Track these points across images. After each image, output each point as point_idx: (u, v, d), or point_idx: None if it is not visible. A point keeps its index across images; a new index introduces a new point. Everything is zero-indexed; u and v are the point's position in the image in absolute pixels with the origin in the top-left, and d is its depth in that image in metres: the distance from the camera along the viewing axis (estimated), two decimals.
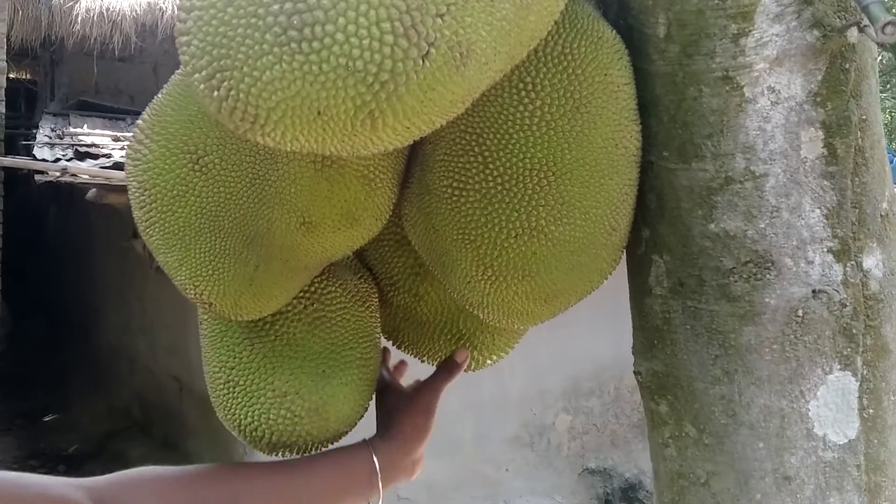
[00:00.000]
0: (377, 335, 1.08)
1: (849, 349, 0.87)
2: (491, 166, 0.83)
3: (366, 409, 1.06)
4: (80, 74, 10.00)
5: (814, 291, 0.86)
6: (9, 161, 4.95)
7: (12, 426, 6.79)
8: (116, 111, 9.90)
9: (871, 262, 0.88)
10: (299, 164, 0.82)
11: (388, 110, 0.63)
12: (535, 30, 0.74)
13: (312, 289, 1.00)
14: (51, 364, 8.49)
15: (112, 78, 10.24)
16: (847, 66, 0.85)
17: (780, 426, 0.88)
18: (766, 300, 0.86)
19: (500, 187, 0.83)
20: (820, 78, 0.85)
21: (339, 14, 0.59)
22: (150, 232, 0.86)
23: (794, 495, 0.88)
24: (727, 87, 0.84)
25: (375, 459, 0.99)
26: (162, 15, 9.47)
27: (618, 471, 5.69)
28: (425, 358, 1.16)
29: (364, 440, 1.03)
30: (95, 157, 6.66)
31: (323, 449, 1.03)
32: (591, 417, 5.72)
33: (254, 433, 0.99)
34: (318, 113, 0.63)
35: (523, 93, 0.82)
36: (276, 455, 1.02)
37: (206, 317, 1.02)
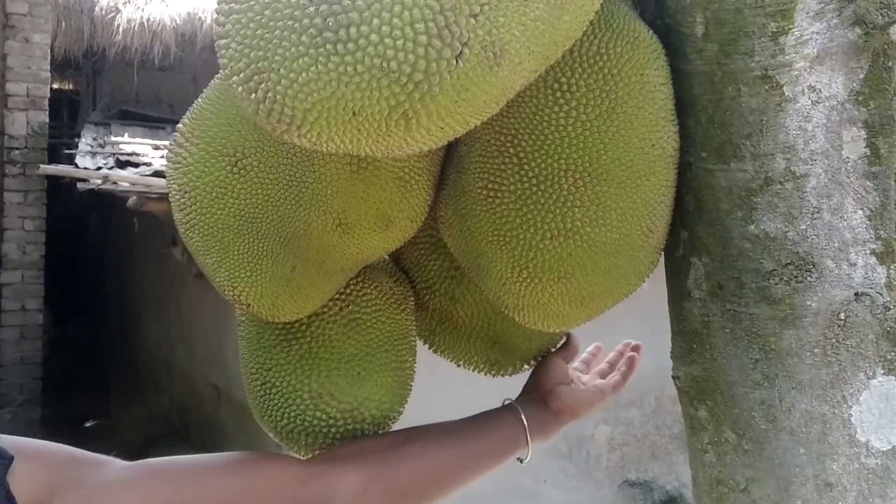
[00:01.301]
0: (413, 338, 1.08)
1: (893, 353, 0.85)
2: (526, 167, 0.83)
3: (400, 413, 1.06)
4: (121, 84, 10.20)
5: (856, 294, 0.84)
6: (52, 169, 5.06)
7: (54, 431, 6.91)
8: (156, 120, 10.07)
9: None
10: (336, 166, 0.82)
11: (422, 111, 0.64)
12: (569, 30, 0.73)
13: (348, 291, 1.00)
14: (92, 370, 8.64)
15: (152, 87, 10.43)
16: (890, 63, 0.83)
17: (822, 432, 0.86)
18: (808, 303, 0.85)
19: (535, 188, 0.83)
20: (862, 76, 0.83)
21: (374, 15, 0.59)
22: (190, 234, 0.87)
23: (835, 502, 0.86)
24: (766, 87, 0.83)
25: (524, 420, 1.09)
26: (201, 25, 9.63)
27: (658, 483, 5.62)
28: (461, 362, 1.16)
29: (509, 403, 1.12)
30: (136, 165, 6.78)
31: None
32: (632, 428, 5.66)
33: (290, 434, 1.00)
34: (354, 113, 0.63)
35: (558, 93, 0.81)
36: (312, 455, 1.02)
37: (243, 319, 1.03)
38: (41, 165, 5.27)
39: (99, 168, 6.62)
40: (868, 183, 0.84)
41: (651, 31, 0.88)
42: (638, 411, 5.84)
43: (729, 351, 0.90)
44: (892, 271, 0.85)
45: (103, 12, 9.09)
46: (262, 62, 0.63)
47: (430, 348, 1.17)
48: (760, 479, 0.89)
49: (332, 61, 0.61)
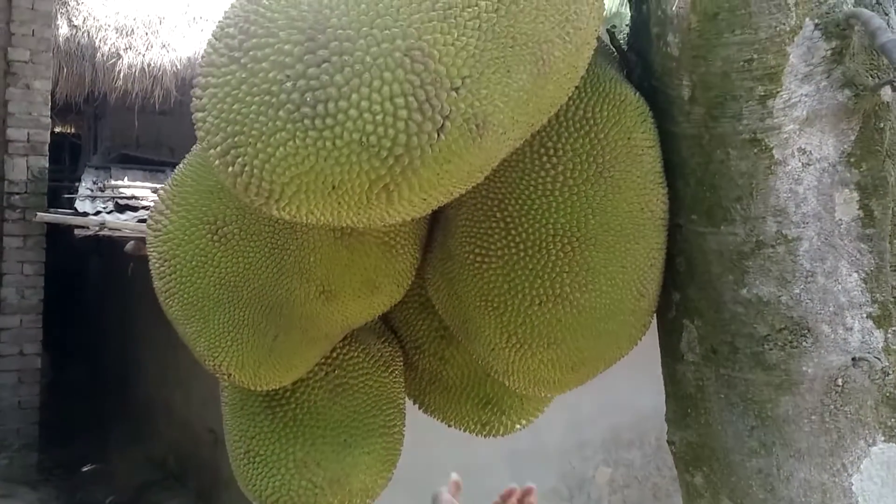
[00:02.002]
0: (401, 401, 1.06)
1: (893, 419, 0.83)
2: (513, 232, 0.81)
3: (388, 480, 1.03)
4: (122, 128, 10.26)
5: (854, 359, 0.82)
6: (49, 217, 5.05)
7: (51, 476, 6.82)
8: (157, 163, 10.11)
9: None
10: (318, 234, 0.81)
11: (403, 184, 0.62)
12: (554, 97, 0.72)
13: (334, 355, 0.98)
14: (90, 414, 8.55)
15: (152, 131, 10.49)
16: (882, 125, 0.82)
17: (822, 501, 0.83)
18: (804, 369, 0.83)
19: (522, 253, 0.81)
20: (853, 138, 0.82)
21: (353, 90, 0.58)
22: (170, 303, 0.85)
23: None
24: (755, 150, 0.81)
25: None
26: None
27: None
28: (451, 422, 1.13)
29: None
30: (135, 209, 6.78)
31: None
32: (633, 470, 5.58)
33: (275, 501, 0.97)
34: (333, 187, 0.62)
35: (545, 158, 0.80)
36: None
37: (227, 385, 1.01)
38: (38, 213, 5.27)
39: (98, 212, 6.62)
40: (862, 245, 0.83)
41: (638, 94, 0.87)
42: (639, 452, 5.76)
43: (724, 417, 0.88)
44: (889, 335, 0.83)
45: (104, 58, 9.18)
46: (238, 136, 0.61)
47: (419, 408, 1.14)
48: None
49: (309, 136, 0.59)
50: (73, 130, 12.39)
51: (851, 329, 0.82)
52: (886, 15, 0.83)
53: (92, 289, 10.24)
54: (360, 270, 0.84)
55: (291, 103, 0.59)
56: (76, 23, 9.26)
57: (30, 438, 6.67)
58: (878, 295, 0.83)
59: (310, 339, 0.87)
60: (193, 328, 0.84)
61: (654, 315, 0.93)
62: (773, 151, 0.81)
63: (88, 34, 9.45)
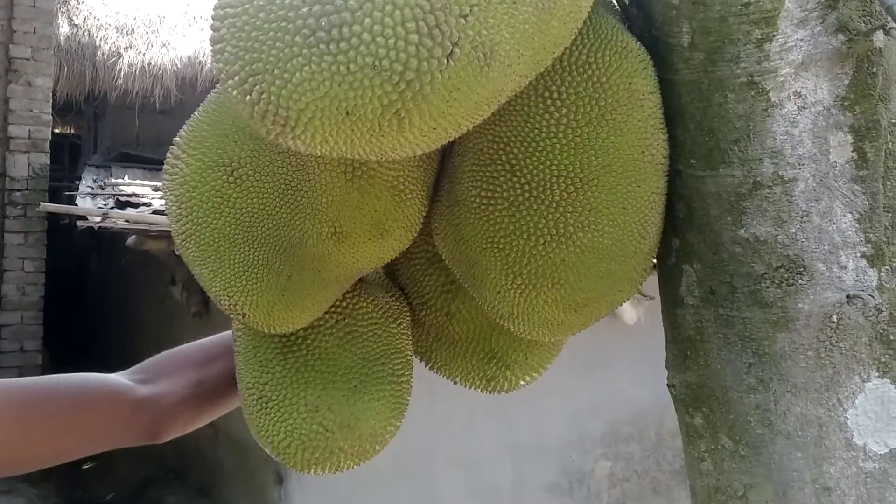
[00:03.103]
0: (409, 353, 1.08)
1: (887, 356, 0.86)
2: (518, 174, 0.84)
3: (397, 429, 1.06)
4: (122, 127, 10.29)
5: (848, 297, 0.85)
6: (52, 207, 5.08)
7: (52, 473, 6.84)
8: (157, 162, 10.13)
9: None
10: (331, 174, 0.84)
11: (414, 110, 0.65)
12: (558, 36, 0.75)
13: (344, 304, 1.01)
14: None
15: (152, 130, 10.52)
16: (874, 69, 0.85)
17: (818, 435, 0.86)
18: (800, 306, 0.85)
19: (527, 195, 0.84)
20: (847, 82, 0.85)
21: (366, 15, 0.61)
22: (187, 244, 0.88)
23: None
24: (753, 93, 0.84)
25: None
26: (202, 68, 9.75)
27: None
28: (457, 378, 1.16)
29: None
30: (136, 206, 6.81)
31: (354, 466, 1.03)
32: (632, 464, 5.61)
33: (286, 449, 1.00)
34: (347, 113, 0.64)
35: (549, 101, 0.83)
36: (309, 473, 1.02)
37: (240, 334, 1.03)
38: (41, 203, 5.30)
39: (100, 208, 6.65)
40: (856, 187, 0.85)
41: (639, 42, 0.90)
42: (638, 446, 5.80)
43: (723, 356, 0.90)
44: (882, 274, 0.86)
45: (105, 57, 9.22)
46: (256, 64, 0.64)
47: (426, 365, 1.17)
48: (758, 484, 0.89)
49: (325, 61, 0.62)
50: (72, 130, 12.42)
51: (846, 267, 0.85)
52: None
53: (92, 286, 10.26)
54: (370, 213, 0.86)
55: (308, 28, 0.62)
56: (77, 22, 9.30)
57: None
58: (871, 235, 0.86)
59: (322, 280, 0.89)
60: (209, 268, 0.87)
61: (653, 260, 0.96)
62: (770, 94, 0.84)
63: (89, 33, 9.48)
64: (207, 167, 0.85)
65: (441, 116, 0.67)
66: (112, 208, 6.73)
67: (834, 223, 0.85)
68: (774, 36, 0.83)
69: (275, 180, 0.84)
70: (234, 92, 0.66)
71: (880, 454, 0.86)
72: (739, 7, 0.82)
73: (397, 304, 1.09)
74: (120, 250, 7.12)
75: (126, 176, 8.47)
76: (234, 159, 0.85)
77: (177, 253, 4.68)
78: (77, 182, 8.90)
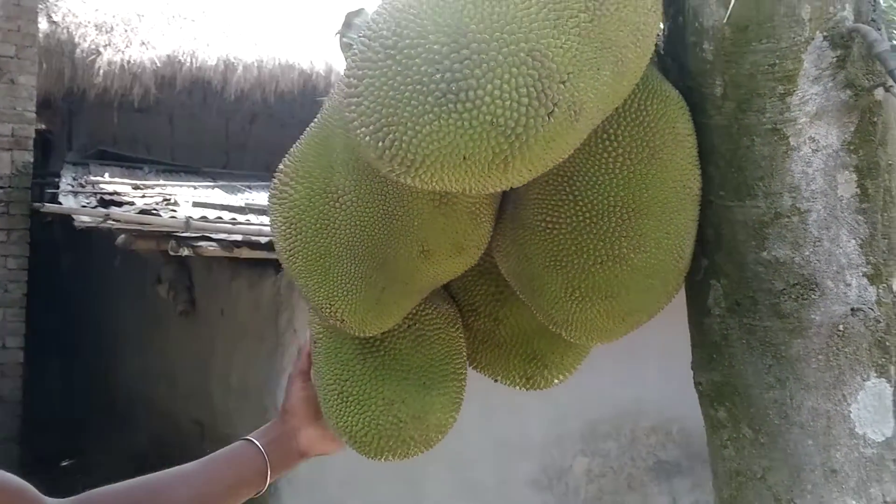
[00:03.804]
0: (464, 353, 1.23)
1: (883, 359, 1.02)
2: (580, 203, 0.99)
3: (456, 419, 1.21)
4: (99, 124, 10.25)
5: (852, 310, 1.01)
6: (55, 207, 5.12)
7: (33, 469, 6.86)
8: (134, 160, 10.12)
9: None
10: (422, 202, 0.98)
11: (518, 156, 0.80)
12: (625, 91, 0.91)
13: (414, 311, 1.15)
14: (68, 408, 8.57)
15: (129, 128, 10.50)
16: (875, 119, 1.02)
17: (827, 426, 1.02)
18: (812, 317, 1.02)
19: (588, 221, 0.99)
20: (853, 129, 1.01)
21: (488, 82, 0.76)
22: (293, 260, 1.02)
23: (840, 486, 1.02)
24: (775, 138, 1.00)
25: (265, 453, 1.21)
26: (181, 67, 9.77)
27: None
28: (499, 376, 1.30)
29: (246, 438, 1.24)
30: (119, 204, 6.85)
31: (420, 453, 1.18)
32: (608, 460, 5.80)
33: (363, 438, 1.14)
34: (464, 158, 0.79)
35: (607, 142, 0.98)
36: (383, 459, 1.16)
37: (320, 336, 1.17)
38: (45, 204, 5.34)
39: (84, 207, 6.68)
40: (859, 217, 1.02)
41: (677, 91, 1.05)
42: (615, 443, 6.00)
43: (745, 358, 1.07)
44: (880, 290, 1.03)
45: (84, 55, 9.20)
46: (391, 117, 0.79)
47: (471, 365, 1.31)
48: (775, 467, 1.05)
49: (451, 117, 0.77)
50: (44, 126, 12.30)
51: (850, 285, 1.02)
52: (879, 29, 1.02)
53: (68, 284, 10.21)
54: (452, 234, 1.01)
55: (439, 91, 0.76)
56: (56, 19, 9.27)
57: (12, 432, 6.70)
58: (871, 257, 1.02)
59: (408, 291, 1.04)
60: (314, 281, 1.01)
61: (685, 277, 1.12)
62: (790, 139, 1.00)
63: (68, 30, 9.45)
64: (316, 194, 0.99)
65: (538, 160, 0.82)
66: (96, 207, 6.77)
67: (841, 247, 1.02)
68: (794, 91, 0.99)
69: (374, 206, 0.98)
70: (367, 138, 0.81)
71: (878, 441, 1.02)
72: (766, 67, 0.98)
73: (453, 311, 1.23)
74: (101, 249, 7.16)
75: (106, 174, 8.47)
76: (339, 188, 0.99)
77: (172, 252, 4.78)
78: (52, 179, 8.87)
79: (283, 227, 1.02)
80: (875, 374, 1.02)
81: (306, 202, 1.00)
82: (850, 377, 1.02)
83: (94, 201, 7.10)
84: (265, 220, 6.53)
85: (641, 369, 5.34)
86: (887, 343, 1.02)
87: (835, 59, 0.99)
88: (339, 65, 10.60)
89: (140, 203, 7.13)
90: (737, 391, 1.08)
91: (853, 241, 1.02)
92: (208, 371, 5.75)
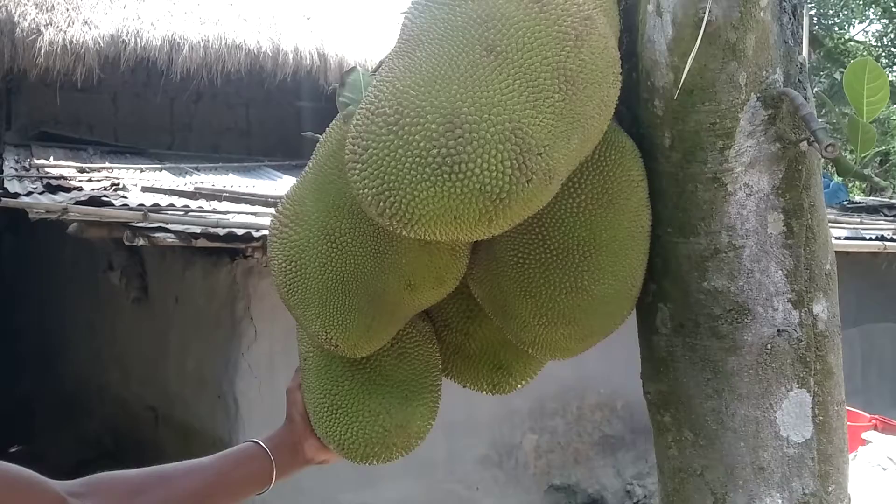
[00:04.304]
0: (440, 367, 1.37)
1: (804, 373, 1.20)
2: (548, 242, 1.14)
3: (433, 425, 1.35)
4: (40, 105, 10.03)
5: (778, 331, 1.18)
6: (13, 202, 5.07)
7: None
8: (78, 141, 9.94)
9: (819, 308, 1.21)
10: (409, 244, 1.11)
11: (500, 215, 0.94)
12: (589, 150, 1.05)
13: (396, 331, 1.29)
14: (13, 395, 8.47)
15: (71, 108, 10.30)
16: (800, 167, 1.18)
17: (756, 430, 1.19)
18: (745, 337, 1.18)
19: (554, 257, 1.14)
20: (781, 176, 1.17)
21: (478, 156, 0.89)
22: (293, 293, 1.14)
23: (766, 481, 1.19)
24: (715, 185, 1.16)
25: (271, 456, 1.30)
26: (125, 47, 9.61)
27: (581, 487, 6.02)
28: (468, 383, 1.45)
29: (255, 441, 1.33)
30: (68, 189, 6.78)
31: (402, 457, 1.32)
32: (556, 436, 6.04)
33: (352, 446, 1.27)
34: (455, 217, 0.93)
35: (572, 190, 1.12)
36: (368, 463, 1.30)
37: (311, 354, 1.30)
38: (2, 199, 5.28)
39: (30, 192, 6.60)
40: (785, 251, 1.18)
41: (631, 139, 1.20)
42: (562, 420, 6.24)
43: (688, 372, 1.23)
44: (803, 314, 1.20)
45: (24, 34, 8.99)
46: (393, 184, 0.91)
47: (443, 373, 1.46)
48: (712, 466, 1.22)
49: (446, 185, 0.90)
50: None
51: (777, 310, 1.18)
52: (805, 90, 1.18)
53: (11, 266, 10.03)
54: (435, 269, 1.15)
55: (436, 163, 0.89)
56: None
57: None
58: (795, 286, 1.19)
59: (395, 318, 1.17)
60: (312, 312, 1.13)
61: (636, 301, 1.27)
62: (727, 186, 1.16)
63: (6, 9, 9.22)
64: (314, 235, 1.12)
65: (517, 216, 0.96)
66: (43, 192, 6.70)
67: (769, 278, 1.18)
68: (732, 145, 1.15)
69: (366, 247, 1.11)
70: (370, 198, 0.94)
71: (799, 443, 1.20)
72: (708, 125, 1.14)
73: (429, 327, 1.37)
74: (45, 235, 7.08)
75: (51, 157, 8.34)
76: (335, 230, 1.11)
77: (128, 242, 4.79)
78: None
79: (283, 265, 1.14)
80: (797, 386, 1.20)
81: (305, 242, 1.12)
82: (776, 388, 1.19)
83: (39, 186, 7.02)
84: (218, 206, 6.55)
85: (585, 355, 5.55)
86: (807, 359, 1.20)
87: (766, 116, 1.15)
88: (287, 45, 10.56)
89: (87, 188, 7.06)
90: (680, 400, 1.25)
91: (780, 272, 1.18)
92: (163, 358, 5.79)
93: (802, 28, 1.21)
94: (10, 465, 1.14)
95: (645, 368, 1.32)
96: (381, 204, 0.93)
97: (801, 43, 1.21)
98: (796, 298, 1.19)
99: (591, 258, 1.13)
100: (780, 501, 1.19)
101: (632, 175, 1.16)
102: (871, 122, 1.10)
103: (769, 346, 1.18)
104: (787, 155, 1.17)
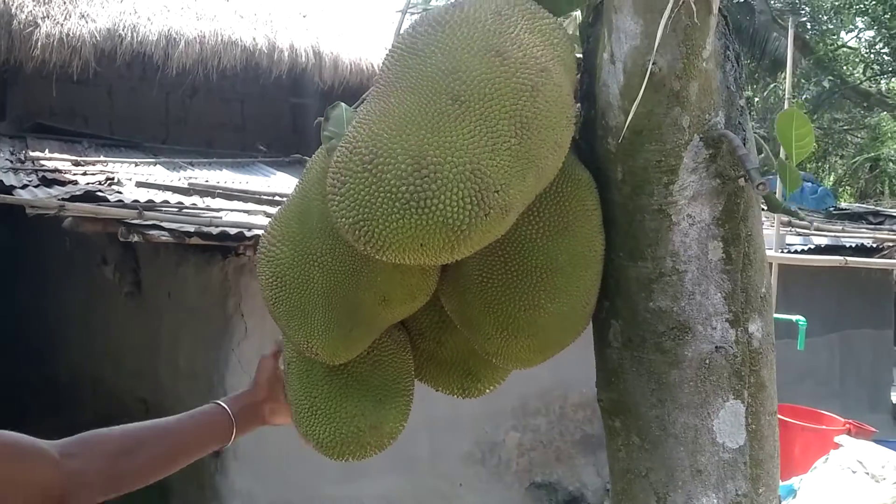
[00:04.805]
0: (412, 372, 1.50)
1: (739, 385, 1.33)
2: (509, 264, 1.26)
3: (405, 426, 1.48)
4: (36, 96, 10.10)
5: (716, 347, 1.31)
6: (10, 199, 5.17)
7: None
8: (73, 134, 10.01)
9: (754, 327, 1.34)
10: (383, 264, 1.23)
11: (461, 244, 1.06)
12: (544, 185, 1.18)
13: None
14: (3, 385, 8.56)
15: (67, 100, 10.37)
16: (738, 200, 1.31)
17: (695, 436, 1.32)
18: (686, 353, 1.31)
19: (514, 277, 1.26)
20: (721, 208, 1.30)
21: (442, 193, 1.02)
22: (278, 305, 1.26)
23: (703, 483, 1.32)
24: (661, 216, 1.29)
25: (233, 417, 1.50)
26: (121, 41, 9.69)
27: (562, 485, 6.16)
28: (440, 387, 1.58)
29: (218, 402, 1.53)
30: (63, 183, 6.88)
31: (375, 455, 1.44)
32: (538, 435, 6.18)
33: (329, 443, 1.40)
34: (422, 245, 1.05)
35: (531, 218, 1.25)
36: (344, 460, 1.42)
37: (293, 360, 1.42)
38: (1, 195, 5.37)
39: (25, 185, 6.70)
40: (724, 276, 1.31)
41: (588, 172, 1.33)
42: (544, 419, 6.38)
43: (635, 383, 1.36)
44: (739, 332, 1.33)
45: (21, 26, 9.06)
46: (367, 215, 1.04)
47: (417, 378, 1.58)
48: (655, 468, 1.35)
49: (414, 218, 1.02)
50: None
51: (715, 328, 1.31)
52: (744, 131, 1.31)
53: (2, 259, 10.10)
54: (406, 286, 1.27)
55: (405, 199, 1.02)
56: None
57: None
58: (732, 307, 1.32)
59: (370, 329, 1.30)
60: (296, 323, 1.26)
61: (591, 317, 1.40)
62: (672, 216, 1.29)
63: (4, 1, 9.29)
64: (298, 255, 1.24)
65: (476, 245, 1.08)
66: (38, 185, 6.79)
67: (709, 299, 1.31)
68: (676, 181, 1.27)
69: (345, 266, 1.24)
70: (347, 226, 1.06)
71: (733, 448, 1.33)
72: (655, 162, 1.27)
73: (403, 336, 1.50)
74: (41, 227, 7.16)
75: (46, 150, 8.42)
76: (317, 250, 1.24)
77: (122, 238, 4.89)
78: None
79: (269, 280, 1.27)
80: (732, 397, 1.33)
81: (290, 261, 1.25)
82: (713, 399, 1.32)
83: (35, 179, 7.11)
84: (211, 202, 6.65)
85: (567, 351, 5.69)
86: (742, 373, 1.33)
87: (708, 155, 1.28)
88: (282, 42, 10.65)
89: (82, 181, 7.16)
90: (628, 408, 1.38)
91: (719, 295, 1.31)
92: (155, 351, 5.90)
93: (743, 74, 1.34)
94: (6, 432, 1.24)
95: (599, 378, 1.45)
96: (357, 232, 1.05)
97: (743, 87, 1.34)
98: (733, 318, 1.32)
99: (548, 279, 1.26)
100: (715, 501, 1.32)
101: (586, 205, 1.29)
102: (797, 165, 1.23)
103: (707, 361, 1.31)
104: (726, 189, 1.29)
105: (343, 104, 1.27)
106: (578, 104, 1.40)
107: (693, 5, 1.12)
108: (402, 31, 1.16)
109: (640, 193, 1.29)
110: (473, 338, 1.36)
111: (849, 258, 5.89)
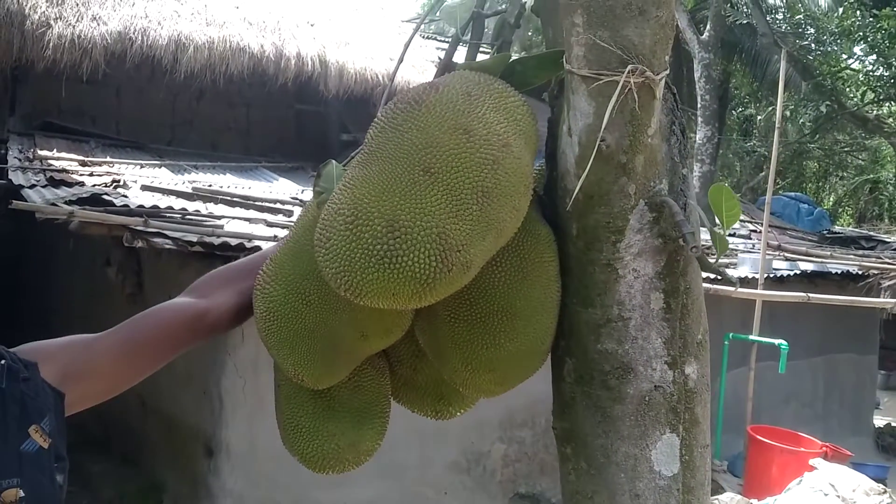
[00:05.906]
0: (389, 396, 1.67)
1: (675, 420, 1.50)
2: (474, 306, 1.44)
3: (380, 445, 1.65)
4: (45, 95, 10.29)
5: (655, 386, 1.49)
6: (24, 205, 5.34)
7: None
8: (81, 133, 10.19)
9: (690, 370, 1.51)
10: (362, 305, 1.41)
11: (427, 294, 1.24)
12: (503, 243, 1.35)
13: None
14: None
15: (75, 100, 10.57)
16: (679, 257, 1.48)
17: (634, 465, 1.50)
18: (628, 390, 1.49)
19: (477, 318, 1.44)
20: (663, 264, 1.48)
21: (411, 251, 1.19)
22: (269, 336, 1.44)
23: None
24: (609, 269, 1.46)
25: None
26: (131, 44, 9.88)
27: (545, 496, 6.33)
28: (415, 409, 1.75)
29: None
30: (70, 184, 7.06)
31: (353, 469, 1.62)
32: (524, 447, 6.35)
33: (311, 458, 1.57)
34: (393, 294, 1.23)
35: (494, 268, 1.42)
36: (325, 473, 1.60)
37: (282, 384, 1.60)
38: (13, 201, 5.55)
39: (33, 185, 6.88)
40: (664, 323, 1.49)
41: (548, 227, 1.50)
42: (529, 431, 6.55)
43: (584, 415, 1.53)
44: (676, 373, 1.50)
45: (34, 27, 9.27)
46: (347, 267, 1.21)
47: (395, 400, 1.76)
48: (599, 491, 1.52)
49: (387, 272, 1.20)
50: None
51: (655, 370, 1.49)
52: (686, 197, 1.49)
53: (7, 255, 10.27)
54: (383, 323, 1.45)
55: (379, 255, 1.20)
56: None
57: None
58: (671, 351, 1.49)
59: (351, 359, 1.47)
60: (284, 353, 1.43)
61: (549, 353, 1.58)
62: (618, 270, 1.46)
63: (18, 1, 9.49)
64: (289, 293, 1.42)
65: (441, 294, 1.26)
66: (46, 185, 6.97)
67: (651, 344, 1.49)
68: (623, 239, 1.45)
69: (329, 305, 1.41)
70: (331, 275, 1.24)
71: (668, 476, 1.50)
72: (604, 223, 1.44)
73: (382, 362, 1.67)
74: (43, 228, 7.34)
75: (54, 149, 8.60)
76: (306, 290, 1.41)
77: (127, 244, 5.07)
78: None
79: (263, 314, 1.44)
80: (669, 431, 1.50)
81: (282, 298, 1.42)
82: (652, 432, 1.49)
83: (42, 179, 7.29)
84: (213, 208, 6.83)
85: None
86: (678, 410, 1.50)
87: (652, 217, 1.45)
88: (290, 50, 10.81)
89: (89, 183, 7.34)
90: (578, 437, 1.55)
91: (659, 340, 1.49)
92: None
93: (688, 146, 1.51)
94: (163, 306, 1.61)
95: (554, 408, 1.62)
96: (339, 280, 1.23)
97: (688, 157, 1.52)
98: (671, 361, 1.49)
99: (508, 321, 1.44)
100: None
101: (544, 258, 1.47)
102: (727, 233, 1.41)
103: (647, 398, 1.49)
104: (667, 248, 1.47)
105: (334, 161, 1.44)
106: (544, 162, 1.58)
107: (636, 94, 1.29)
108: (384, 106, 1.34)
109: (591, 249, 1.47)
110: (442, 369, 1.53)
111: (811, 294, 6.06)
